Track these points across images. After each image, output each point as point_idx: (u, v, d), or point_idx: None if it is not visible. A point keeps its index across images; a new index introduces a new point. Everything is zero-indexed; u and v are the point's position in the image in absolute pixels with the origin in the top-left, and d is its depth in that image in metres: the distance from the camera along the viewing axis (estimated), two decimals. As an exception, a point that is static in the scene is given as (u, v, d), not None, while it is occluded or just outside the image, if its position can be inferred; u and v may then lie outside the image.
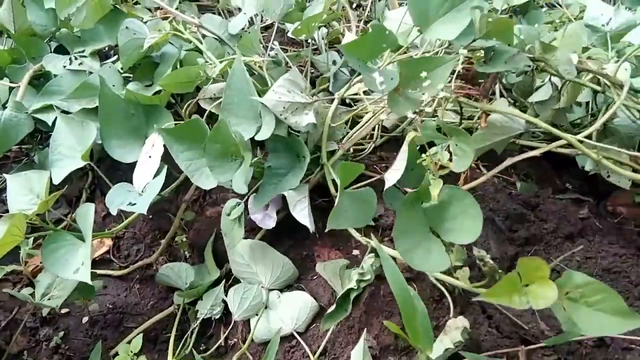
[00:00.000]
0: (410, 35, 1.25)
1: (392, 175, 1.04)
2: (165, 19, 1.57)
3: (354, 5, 2.35)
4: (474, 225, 0.90)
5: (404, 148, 1.06)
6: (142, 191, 1.28)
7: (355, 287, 1.06)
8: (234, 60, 1.24)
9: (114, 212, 1.26)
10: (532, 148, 1.25)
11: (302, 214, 1.20)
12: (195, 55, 1.48)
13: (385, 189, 1.06)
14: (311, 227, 1.20)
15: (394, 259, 1.01)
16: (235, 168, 1.15)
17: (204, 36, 1.52)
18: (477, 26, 1.08)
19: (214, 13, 2.30)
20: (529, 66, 1.27)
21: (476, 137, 1.22)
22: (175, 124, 1.36)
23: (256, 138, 1.18)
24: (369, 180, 1.26)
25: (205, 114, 1.34)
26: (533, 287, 0.83)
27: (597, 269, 1.29)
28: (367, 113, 1.42)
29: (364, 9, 2.45)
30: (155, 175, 1.25)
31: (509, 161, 1.17)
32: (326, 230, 1.09)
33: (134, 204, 1.24)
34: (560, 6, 2.02)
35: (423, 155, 1.03)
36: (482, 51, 1.17)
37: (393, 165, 1.07)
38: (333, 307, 1.08)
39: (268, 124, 1.17)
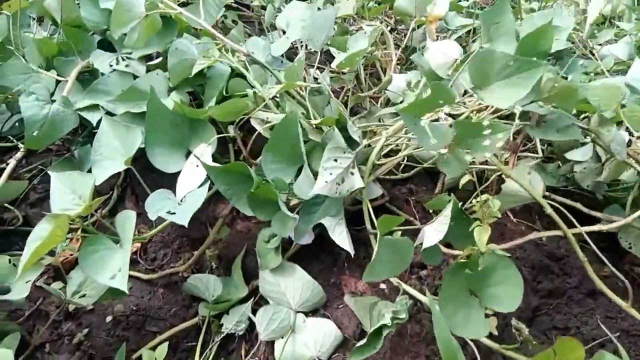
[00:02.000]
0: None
1: (433, 236, 1.04)
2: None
3: (388, 28, 2.37)
4: (515, 295, 0.94)
5: (447, 212, 1.05)
6: (182, 200, 1.30)
7: (389, 325, 1.08)
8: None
9: (152, 218, 1.28)
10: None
11: (342, 236, 1.21)
12: (241, 82, 1.50)
13: (423, 248, 1.07)
14: (351, 250, 1.21)
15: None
16: (274, 211, 1.20)
17: (250, 61, 1.54)
18: (541, 88, 1.08)
19: (253, 24, 2.33)
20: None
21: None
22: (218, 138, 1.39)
23: (296, 193, 1.22)
24: (403, 228, 1.26)
25: (255, 134, 1.38)
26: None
27: (616, 329, 1.31)
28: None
29: (399, 32, 2.48)
30: (199, 186, 1.28)
31: (533, 235, 1.21)
32: (364, 282, 1.10)
33: (174, 213, 1.26)
34: (595, 58, 2.02)
35: (473, 201, 1.04)
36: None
37: (434, 224, 1.07)
38: (364, 342, 1.10)
39: (306, 182, 1.21)
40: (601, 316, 1.34)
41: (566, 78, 1.66)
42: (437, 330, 0.95)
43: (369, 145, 1.40)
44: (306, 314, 1.33)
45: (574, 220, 1.28)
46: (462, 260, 1.01)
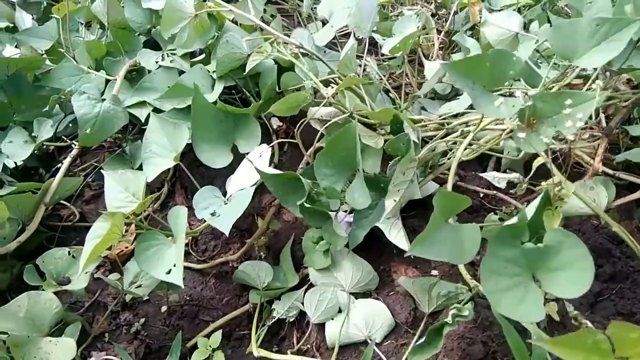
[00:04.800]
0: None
1: None
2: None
3: (429, 14, 2.33)
4: (584, 279, 0.80)
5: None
6: (228, 199, 1.33)
7: (450, 323, 1.03)
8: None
9: (199, 217, 1.31)
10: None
11: (399, 236, 1.22)
12: (294, 76, 1.52)
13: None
14: (408, 248, 1.20)
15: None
16: (324, 220, 1.24)
17: (302, 54, 1.54)
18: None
19: (291, 17, 2.34)
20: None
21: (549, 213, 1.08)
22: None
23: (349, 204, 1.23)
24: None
25: (319, 135, 1.42)
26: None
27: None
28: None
29: (440, 18, 2.43)
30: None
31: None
32: (406, 255, 1.05)
33: (218, 215, 1.28)
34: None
35: (542, 183, 0.99)
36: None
37: None
38: (423, 340, 1.07)
39: (359, 191, 1.20)
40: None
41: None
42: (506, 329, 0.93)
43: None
44: (356, 297, 1.34)
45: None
46: (511, 224, 0.88)
